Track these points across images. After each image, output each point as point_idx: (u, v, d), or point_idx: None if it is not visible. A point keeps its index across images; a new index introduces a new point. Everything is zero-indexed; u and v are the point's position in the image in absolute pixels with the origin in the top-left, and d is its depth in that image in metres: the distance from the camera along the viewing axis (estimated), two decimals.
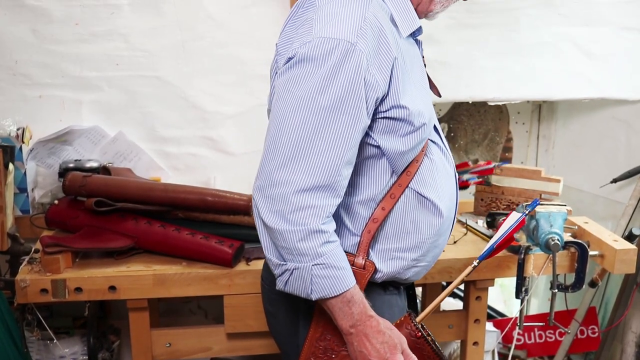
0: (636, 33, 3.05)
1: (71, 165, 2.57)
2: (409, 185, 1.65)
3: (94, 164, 2.59)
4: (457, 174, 1.83)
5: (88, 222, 2.31)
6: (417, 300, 1.88)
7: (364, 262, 1.64)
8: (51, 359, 2.59)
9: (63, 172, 2.54)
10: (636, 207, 3.07)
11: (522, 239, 2.37)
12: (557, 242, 2.20)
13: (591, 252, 2.30)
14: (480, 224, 2.61)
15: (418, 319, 1.66)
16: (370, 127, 1.57)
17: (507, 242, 1.78)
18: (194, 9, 2.72)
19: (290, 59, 1.52)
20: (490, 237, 2.45)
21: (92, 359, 2.58)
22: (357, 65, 1.47)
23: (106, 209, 2.29)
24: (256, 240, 2.13)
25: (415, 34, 1.70)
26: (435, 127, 1.75)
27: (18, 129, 2.58)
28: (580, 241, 2.30)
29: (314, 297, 1.54)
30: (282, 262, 1.53)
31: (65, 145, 2.72)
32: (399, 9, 1.63)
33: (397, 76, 1.55)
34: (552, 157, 3.68)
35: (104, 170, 2.58)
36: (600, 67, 3.08)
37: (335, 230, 1.56)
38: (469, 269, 1.72)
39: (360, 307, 1.57)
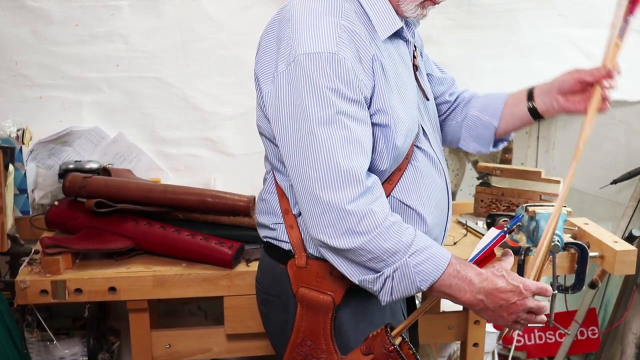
0: (636, 34, 3.05)
1: (71, 166, 2.57)
2: (392, 194, 1.64)
3: (94, 165, 2.60)
4: (448, 182, 1.78)
5: (88, 223, 2.31)
6: (417, 302, 1.87)
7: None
8: None
9: (63, 173, 2.55)
10: (636, 208, 3.07)
11: (522, 240, 2.36)
12: (557, 243, 2.20)
13: (591, 253, 2.30)
14: (480, 225, 2.61)
15: (395, 331, 1.58)
16: None
17: (487, 259, 1.63)
18: (194, 10, 2.72)
19: (275, 77, 1.53)
20: None
21: None
22: (344, 71, 1.48)
23: (106, 210, 2.29)
24: (255, 241, 2.15)
25: (403, 36, 1.67)
26: (425, 133, 1.72)
27: (18, 130, 2.58)
28: (580, 242, 2.30)
29: (424, 286, 1.50)
30: (378, 275, 1.51)
31: (65, 146, 2.73)
32: (376, 11, 1.60)
33: (379, 79, 1.56)
34: (552, 158, 3.68)
35: (104, 171, 2.58)
36: None
37: (300, 233, 1.65)
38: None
39: (471, 269, 1.54)
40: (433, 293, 1.55)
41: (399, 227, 1.50)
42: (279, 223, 1.69)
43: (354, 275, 1.53)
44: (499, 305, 1.53)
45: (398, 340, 1.57)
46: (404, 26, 1.65)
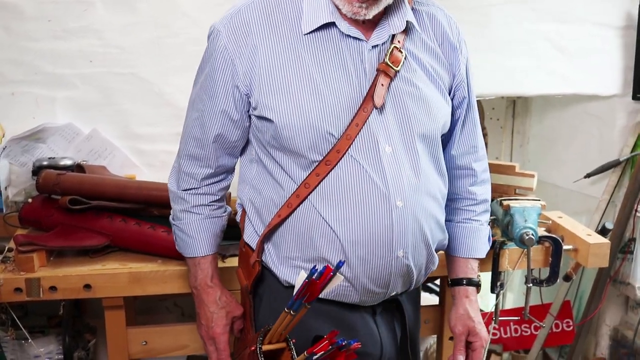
0: (609, 29, 3.08)
1: (45, 163, 2.55)
2: (308, 198, 1.62)
3: (68, 162, 2.58)
4: (405, 214, 1.62)
5: (62, 221, 2.29)
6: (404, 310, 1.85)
7: (253, 262, 1.74)
8: (26, 359, 2.57)
9: (37, 170, 2.52)
10: (609, 201, 3.11)
11: (497, 233, 2.38)
12: (532, 236, 2.21)
13: (565, 247, 2.32)
14: None
15: (269, 335, 1.60)
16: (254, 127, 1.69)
17: (312, 295, 1.48)
18: (169, 6, 2.71)
19: None
20: None
21: (68, 358, 2.56)
22: (218, 52, 1.64)
23: (81, 207, 2.27)
24: (231, 237, 2.14)
25: (352, 35, 1.61)
26: (378, 149, 1.61)
27: None
28: (554, 236, 2.32)
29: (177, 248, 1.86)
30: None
31: (39, 143, 2.70)
32: (310, 4, 1.62)
33: (266, 73, 1.60)
34: (526, 152, 3.71)
35: (78, 168, 2.56)
36: (573, 63, 3.10)
37: (244, 222, 1.79)
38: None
39: (203, 275, 1.83)
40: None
41: (182, 205, 1.81)
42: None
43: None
44: (197, 310, 1.87)
45: (278, 346, 1.61)
46: (347, 23, 1.61)
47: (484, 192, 1.92)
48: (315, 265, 1.45)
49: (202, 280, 1.83)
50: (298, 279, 1.48)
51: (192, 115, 1.76)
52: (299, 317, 1.51)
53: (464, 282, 1.91)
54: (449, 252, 1.93)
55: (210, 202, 1.82)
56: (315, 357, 1.45)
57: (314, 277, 1.43)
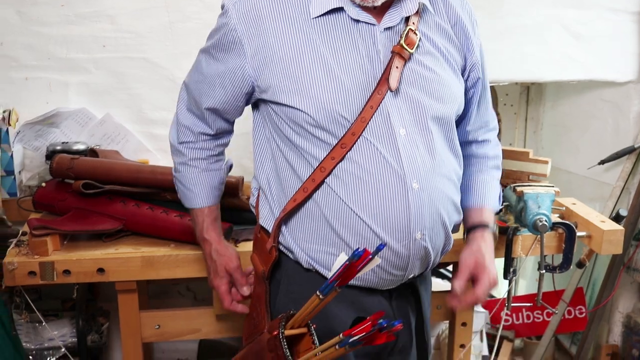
0: (624, 15, 3.05)
1: (58, 147, 2.56)
2: (326, 182, 1.62)
3: (81, 147, 2.58)
4: (421, 199, 1.62)
5: (76, 205, 2.30)
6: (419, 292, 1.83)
7: (269, 247, 1.73)
8: (40, 342, 2.59)
9: (50, 154, 2.53)
10: (623, 188, 3.09)
11: (510, 219, 2.37)
12: (545, 223, 2.20)
13: (579, 233, 2.32)
14: None
15: (292, 321, 1.57)
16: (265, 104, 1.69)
17: (346, 279, 1.47)
18: None
19: None
20: None
21: (81, 341, 2.58)
22: (228, 29, 1.63)
23: (94, 192, 2.28)
24: (245, 222, 2.14)
25: (362, 20, 1.61)
26: (393, 131, 1.61)
27: (4, 112, 2.56)
28: (568, 222, 2.31)
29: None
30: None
31: (52, 128, 2.71)
32: None
33: (277, 56, 1.60)
34: (540, 138, 3.69)
35: (92, 152, 2.57)
36: (588, 49, 3.08)
37: (259, 207, 1.79)
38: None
39: (199, 227, 1.91)
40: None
41: (179, 158, 1.87)
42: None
43: None
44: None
45: (300, 331, 1.57)
46: (357, 8, 1.60)
47: (495, 151, 1.94)
48: (358, 248, 1.43)
49: (199, 232, 1.92)
50: (337, 262, 1.45)
51: (194, 77, 1.80)
52: (326, 301, 1.49)
53: (479, 227, 1.85)
54: (462, 205, 1.87)
55: (207, 156, 1.87)
56: (352, 339, 1.39)
57: (353, 261, 1.42)
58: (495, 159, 1.94)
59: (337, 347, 1.42)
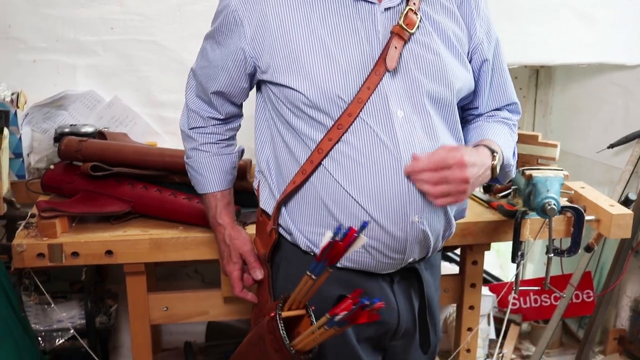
0: None
1: (67, 130, 2.56)
2: (322, 164, 1.61)
3: (90, 129, 2.59)
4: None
5: (84, 187, 2.31)
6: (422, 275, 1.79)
7: (270, 229, 1.73)
8: (49, 323, 2.61)
9: (58, 137, 2.54)
10: (632, 172, 3.08)
11: (518, 203, 2.37)
12: (554, 206, 2.19)
13: (587, 217, 2.31)
14: (477, 189, 2.61)
15: (287, 303, 1.58)
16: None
17: (334, 258, 1.46)
18: None
19: None
20: (487, 202, 2.46)
21: (90, 323, 2.59)
22: (229, 11, 1.63)
23: (102, 174, 2.28)
24: (253, 204, 2.14)
25: None
26: (390, 113, 1.58)
27: (12, 94, 2.56)
28: (576, 206, 2.30)
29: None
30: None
31: (61, 110, 2.71)
32: None
33: (276, 37, 1.59)
34: (549, 122, 3.68)
35: (100, 135, 2.57)
36: (598, 32, 3.06)
37: (260, 190, 1.79)
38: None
39: (212, 212, 1.89)
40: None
41: (190, 144, 1.86)
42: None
43: None
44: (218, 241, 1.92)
45: (298, 312, 1.59)
46: None
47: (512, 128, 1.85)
48: (340, 225, 1.43)
49: (212, 217, 1.90)
50: (323, 240, 1.44)
51: (200, 63, 1.80)
52: (320, 282, 1.49)
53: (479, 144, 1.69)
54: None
55: (217, 141, 1.86)
56: (337, 317, 1.40)
57: (337, 239, 1.41)
58: (512, 127, 1.85)
59: (325, 327, 1.43)
